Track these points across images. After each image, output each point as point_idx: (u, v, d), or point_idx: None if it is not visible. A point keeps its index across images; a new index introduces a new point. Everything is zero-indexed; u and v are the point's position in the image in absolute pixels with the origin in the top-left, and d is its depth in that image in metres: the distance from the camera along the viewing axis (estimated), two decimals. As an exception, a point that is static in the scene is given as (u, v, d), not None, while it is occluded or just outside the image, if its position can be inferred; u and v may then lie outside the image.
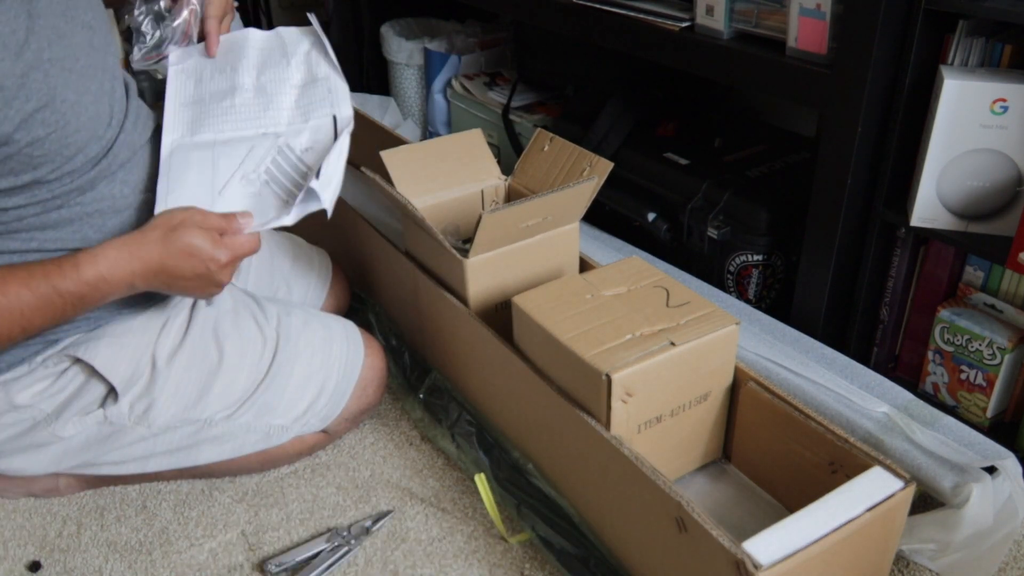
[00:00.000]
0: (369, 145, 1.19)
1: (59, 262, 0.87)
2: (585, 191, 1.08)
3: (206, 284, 0.93)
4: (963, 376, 1.14)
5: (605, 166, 1.09)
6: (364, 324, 1.40)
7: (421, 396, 1.23)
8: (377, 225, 1.32)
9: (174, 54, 1.09)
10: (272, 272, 1.25)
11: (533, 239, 1.10)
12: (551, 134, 1.18)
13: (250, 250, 0.95)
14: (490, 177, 1.21)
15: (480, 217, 0.99)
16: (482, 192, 1.20)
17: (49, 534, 1.06)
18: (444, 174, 1.20)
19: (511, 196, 1.23)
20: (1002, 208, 1.04)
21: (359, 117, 1.61)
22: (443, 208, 1.21)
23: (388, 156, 1.16)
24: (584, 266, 1.18)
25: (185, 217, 0.91)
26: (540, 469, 1.05)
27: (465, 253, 1.05)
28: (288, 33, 1.13)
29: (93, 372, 0.98)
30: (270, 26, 2.76)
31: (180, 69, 1.08)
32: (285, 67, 1.08)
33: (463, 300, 1.10)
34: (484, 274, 1.08)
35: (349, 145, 1.00)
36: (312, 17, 1.12)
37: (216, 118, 1.04)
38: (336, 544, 1.02)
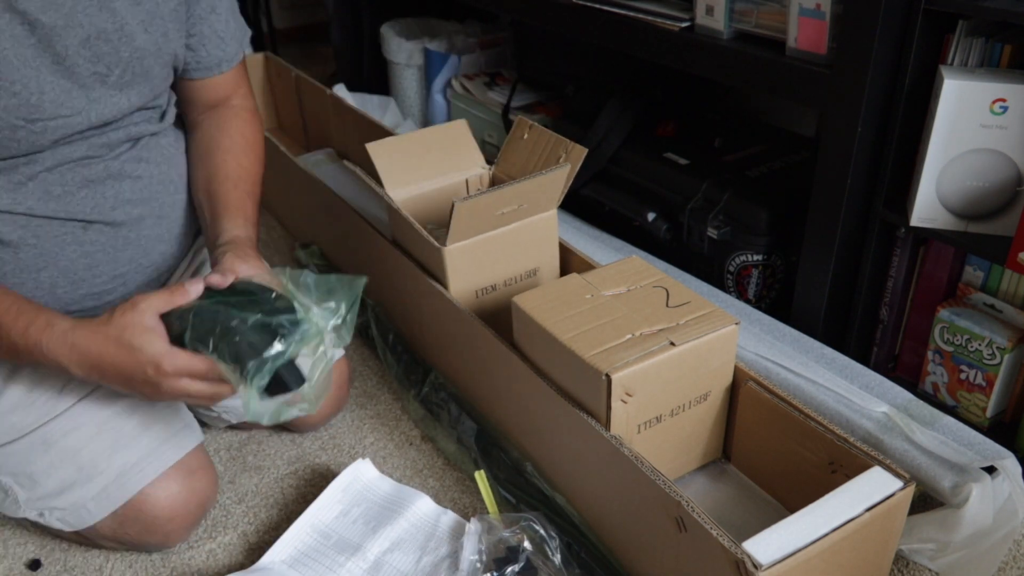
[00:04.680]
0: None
1: (17, 306, 0.86)
2: (559, 178, 1.09)
3: (145, 387, 0.86)
4: (963, 376, 1.14)
5: (580, 152, 1.09)
6: (363, 324, 1.40)
7: (424, 396, 1.23)
8: (372, 222, 1.32)
9: (358, 466, 1.07)
10: None
11: (510, 226, 1.11)
12: (531, 121, 1.18)
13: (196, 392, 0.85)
14: (474, 167, 1.22)
15: (453, 204, 1.00)
16: (467, 181, 1.21)
17: (49, 532, 1.06)
18: (429, 165, 1.21)
19: (494, 184, 1.24)
20: (1002, 208, 1.04)
21: (359, 117, 1.62)
22: (428, 198, 1.22)
23: (373, 148, 1.17)
24: (584, 266, 1.18)
25: (133, 319, 0.84)
26: (540, 469, 1.05)
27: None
28: (453, 530, 1.01)
29: None
30: (270, 27, 2.77)
31: (347, 484, 1.05)
32: (415, 561, 0.97)
33: (444, 287, 1.11)
34: (463, 261, 1.10)
35: None
36: (475, 522, 0.98)
37: (320, 566, 0.97)
38: (336, 545, 1.02)
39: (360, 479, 1.08)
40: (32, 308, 0.87)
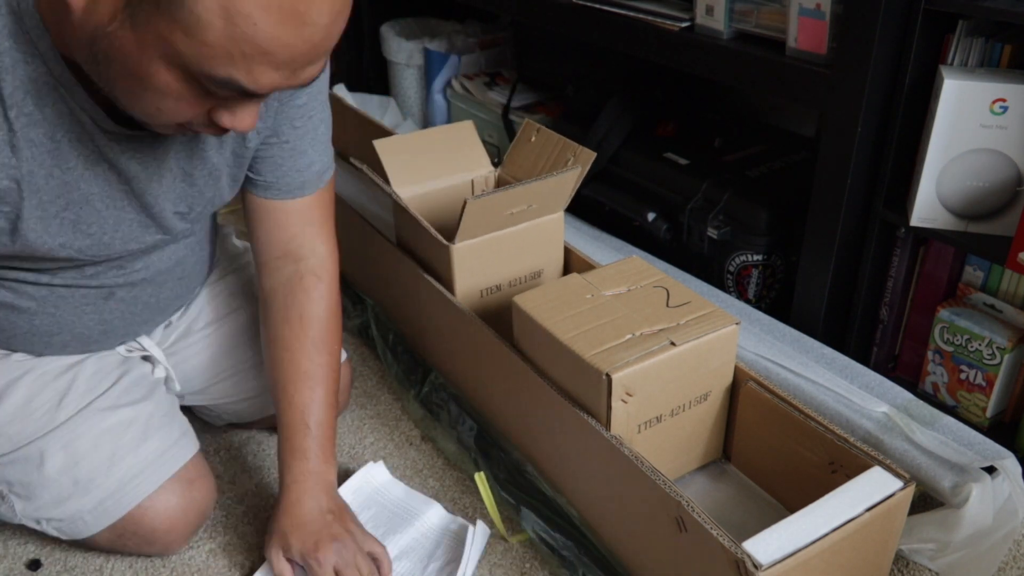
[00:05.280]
0: (367, 144, 1.20)
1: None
2: (568, 180, 1.09)
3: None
4: (963, 376, 1.14)
5: (588, 156, 1.09)
6: (363, 324, 1.40)
7: (424, 396, 1.23)
8: (374, 222, 1.32)
9: (370, 469, 1.09)
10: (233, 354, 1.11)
11: (518, 227, 1.11)
12: (538, 124, 1.19)
13: None
14: (480, 167, 1.22)
15: (465, 203, 1.00)
16: (472, 182, 1.21)
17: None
18: (435, 164, 1.21)
19: (500, 186, 1.24)
20: (1002, 208, 1.04)
21: (358, 117, 1.61)
22: (434, 197, 1.22)
23: (381, 146, 1.17)
24: (584, 266, 1.18)
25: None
26: (540, 469, 1.05)
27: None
28: (457, 534, 1.01)
29: None
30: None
31: (358, 487, 1.06)
32: (421, 568, 0.98)
33: (449, 286, 1.11)
34: (470, 260, 1.10)
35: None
36: (481, 525, 1.01)
37: None
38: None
39: (372, 482, 1.08)
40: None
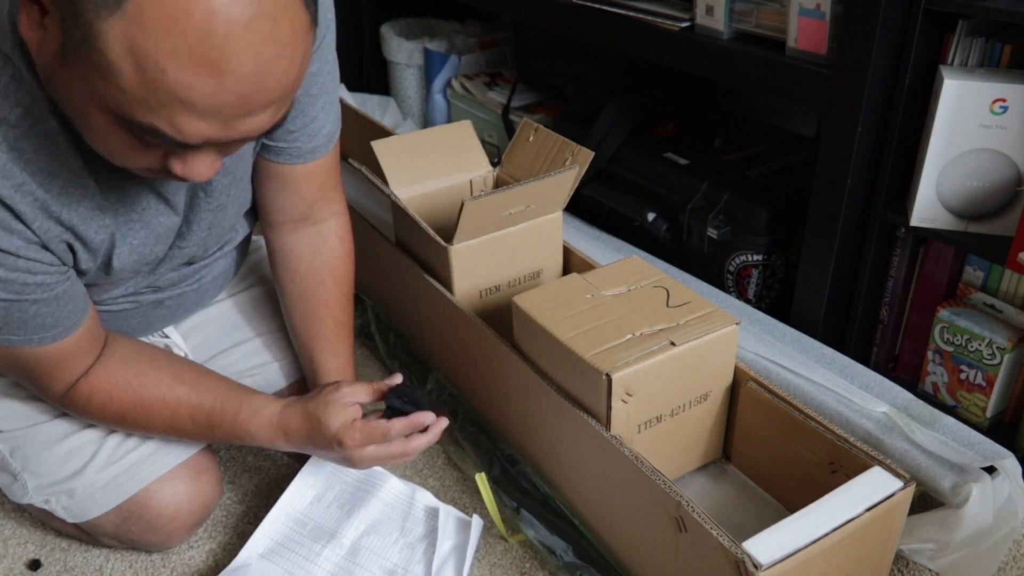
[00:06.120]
0: (367, 144, 1.20)
1: (223, 398, 0.93)
2: (566, 180, 1.09)
3: (339, 459, 0.94)
4: (963, 376, 1.14)
5: (586, 155, 1.10)
6: (363, 324, 1.40)
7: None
8: (374, 222, 1.32)
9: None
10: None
11: (517, 227, 1.11)
12: (536, 124, 1.19)
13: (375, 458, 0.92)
14: (479, 167, 1.22)
15: (462, 204, 1.00)
16: (471, 182, 1.21)
17: (49, 532, 1.06)
18: (434, 164, 1.21)
19: (499, 186, 1.24)
20: (1002, 208, 1.04)
21: (358, 117, 1.61)
22: (433, 198, 1.22)
23: (379, 146, 1.17)
24: (584, 266, 1.18)
25: (334, 396, 0.92)
26: (540, 469, 1.05)
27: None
28: (428, 509, 1.01)
29: None
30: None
31: (318, 469, 1.03)
32: (392, 542, 0.99)
33: (449, 287, 1.11)
34: (469, 261, 1.10)
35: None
36: (476, 519, 1.00)
37: (297, 556, 0.97)
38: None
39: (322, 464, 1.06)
40: (235, 396, 0.93)
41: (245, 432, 0.93)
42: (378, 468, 1.05)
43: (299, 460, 1.17)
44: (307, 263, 1.03)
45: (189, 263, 0.98)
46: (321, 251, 1.03)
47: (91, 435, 0.96)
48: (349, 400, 0.91)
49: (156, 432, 0.94)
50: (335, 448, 0.90)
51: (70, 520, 0.97)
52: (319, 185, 1.00)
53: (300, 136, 0.94)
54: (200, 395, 0.92)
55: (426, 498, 1.02)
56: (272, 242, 1.05)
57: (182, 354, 1.08)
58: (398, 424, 0.90)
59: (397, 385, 0.96)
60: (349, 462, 0.92)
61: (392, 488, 1.03)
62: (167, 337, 1.08)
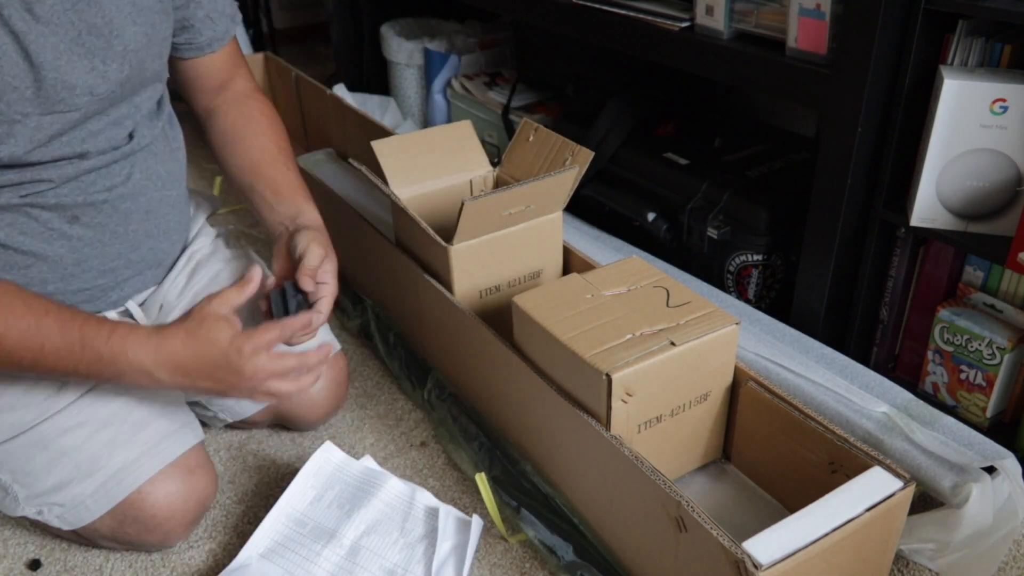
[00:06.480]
0: (367, 144, 1.20)
1: (96, 318, 0.89)
2: (566, 180, 1.09)
3: (230, 376, 0.90)
4: (963, 376, 1.14)
5: (586, 155, 1.10)
6: (363, 324, 1.40)
7: (425, 396, 1.23)
8: (374, 222, 1.32)
9: (326, 450, 1.05)
10: None
11: (517, 227, 1.11)
12: (536, 124, 1.19)
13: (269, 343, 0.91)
14: (479, 167, 1.22)
15: (462, 204, 1.00)
16: (471, 182, 1.21)
17: (49, 532, 1.06)
18: (434, 164, 1.21)
19: (499, 186, 1.24)
20: (1002, 208, 1.04)
21: (358, 117, 1.62)
22: (432, 198, 1.22)
23: (379, 146, 1.17)
24: (584, 266, 1.18)
25: (208, 311, 0.91)
26: (540, 469, 1.05)
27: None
28: (428, 509, 1.01)
29: None
30: (271, 27, 2.77)
31: (318, 469, 1.04)
32: (392, 542, 0.98)
33: (449, 287, 1.11)
34: (469, 261, 1.10)
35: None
36: (476, 519, 1.00)
37: (297, 556, 0.97)
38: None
39: (330, 462, 1.06)
40: (108, 321, 0.90)
41: (120, 352, 0.87)
42: (379, 469, 1.05)
43: (298, 459, 1.17)
44: (237, 112, 1.12)
45: (83, 155, 0.93)
46: (248, 100, 1.14)
47: (72, 441, 0.95)
48: (225, 310, 0.90)
49: (11, 355, 0.85)
50: (229, 358, 0.88)
51: (66, 528, 0.97)
52: (230, 64, 1.13)
53: (205, 24, 1.07)
54: (72, 311, 0.88)
55: (426, 498, 1.02)
56: (212, 125, 1.13)
57: None
58: (280, 326, 0.92)
59: (272, 290, 0.98)
60: (240, 377, 0.89)
61: (392, 488, 1.03)
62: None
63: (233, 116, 1.12)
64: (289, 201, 1.08)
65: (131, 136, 1.00)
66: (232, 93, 1.14)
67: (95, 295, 1.01)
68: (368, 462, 1.07)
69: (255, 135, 1.12)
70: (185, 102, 1.16)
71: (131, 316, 1.06)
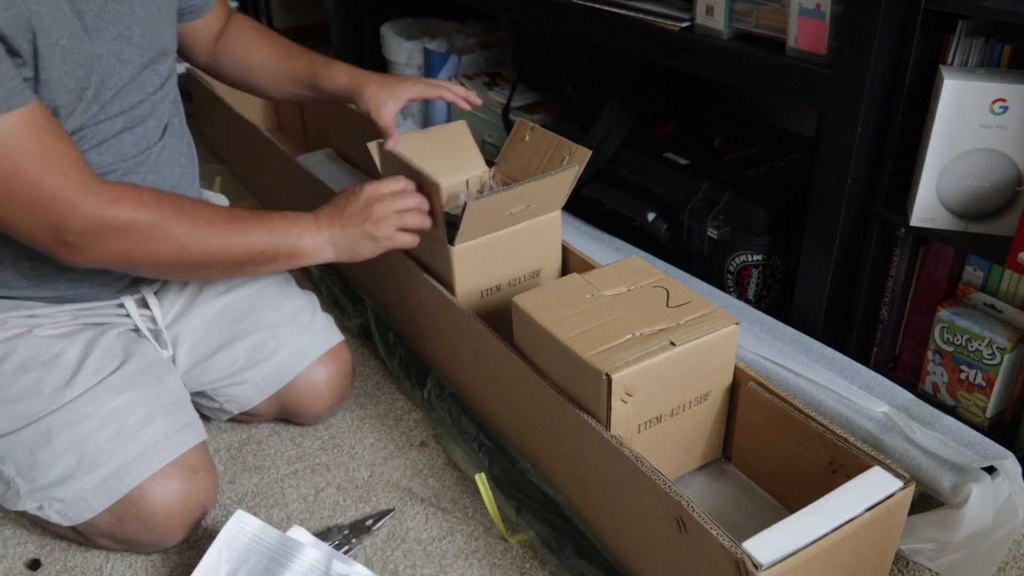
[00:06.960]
0: (365, 144, 1.20)
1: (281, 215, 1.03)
2: (566, 179, 1.10)
3: (362, 212, 1.05)
4: (963, 376, 1.14)
5: (584, 154, 1.10)
6: (363, 324, 1.40)
7: (425, 396, 1.23)
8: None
9: (239, 519, 0.98)
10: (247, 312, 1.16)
11: (517, 227, 1.12)
12: (532, 123, 1.19)
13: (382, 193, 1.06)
14: (475, 167, 1.22)
15: (465, 204, 1.00)
16: (467, 182, 1.21)
17: (49, 531, 1.06)
18: (429, 165, 1.21)
19: (496, 186, 1.24)
20: (1002, 208, 1.04)
21: (358, 117, 1.61)
22: None
23: (375, 147, 1.18)
24: (584, 266, 1.18)
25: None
26: (540, 469, 1.05)
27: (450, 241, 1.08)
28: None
29: None
30: (270, 25, 2.77)
31: (231, 540, 0.97)
32: None
33: (450, 287, 1.12)
34: (470, 261, 1.10)
35: None
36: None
37: None
38: (336, 543, 1.02)
39: (243, 531, 0.98)
40: (271, 212, 1.03)
41: (295, 231, 1.02)
42: (296, 537, 0.98)
43: (297, 458, 1.17)
44: (237, 30, 1.23)
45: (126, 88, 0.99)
46: (240, 20, 1.24)
47: (76, 435, 0.95)
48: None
49: (200, 243, 0.96)
50: (360, 205, 1.04)
51: (65, 524, 0.97)
52: (222, 17, 1.22)
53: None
54: (240, 209, 1.02)
55: (342, 568, 0.96)
56: (220, 63, 1.23)
57: (170, 353, 1.11)
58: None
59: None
60: (372, 222, 1.04)
61: (306, 558, 0.96)
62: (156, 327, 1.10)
63: (238, 40, 1.23)
64: (327, 79, 1.20)
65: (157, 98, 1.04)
66: (228, 30, 1.23)
67: (113, 279, 1.04)
68: (296, 532, 1.00)
69: (268, 45, 1.24)
70: (186, 60, 1.26)
71: (146, 306, 1.10)
